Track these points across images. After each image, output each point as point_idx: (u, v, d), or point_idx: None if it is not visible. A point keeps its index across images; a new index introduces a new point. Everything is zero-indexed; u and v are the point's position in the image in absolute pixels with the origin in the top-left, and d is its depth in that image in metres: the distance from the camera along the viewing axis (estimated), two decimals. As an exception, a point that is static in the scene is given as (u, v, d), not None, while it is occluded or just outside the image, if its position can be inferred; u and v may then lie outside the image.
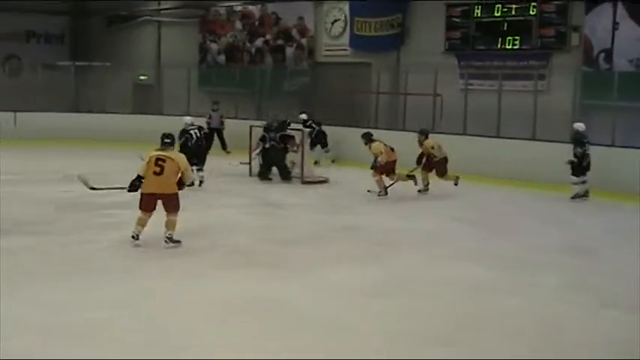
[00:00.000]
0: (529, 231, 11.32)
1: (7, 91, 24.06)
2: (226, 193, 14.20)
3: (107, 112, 23.80)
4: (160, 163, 9.55)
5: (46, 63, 25.98)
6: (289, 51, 22.88)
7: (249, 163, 16.20)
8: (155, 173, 9.53)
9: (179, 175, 9.63)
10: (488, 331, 6.71)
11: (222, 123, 20.27)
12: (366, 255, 9.56)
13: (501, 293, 7.88)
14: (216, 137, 19.75)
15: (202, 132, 15.18)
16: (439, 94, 17.98)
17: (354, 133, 15.42)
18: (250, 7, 24.01)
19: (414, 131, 15.11)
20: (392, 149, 13.88)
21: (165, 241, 9.49)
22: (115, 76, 25.41)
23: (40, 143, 20.27)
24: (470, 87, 17.99)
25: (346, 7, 21.07)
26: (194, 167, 14.27)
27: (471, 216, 12.35)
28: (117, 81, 25.31)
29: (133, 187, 9.66)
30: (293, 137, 15.48)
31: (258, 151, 15.81)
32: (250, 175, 16.16)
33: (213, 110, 20.09)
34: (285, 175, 15.45)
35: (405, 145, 14.48)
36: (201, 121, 17.38)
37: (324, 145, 18.56)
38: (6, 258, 8.64)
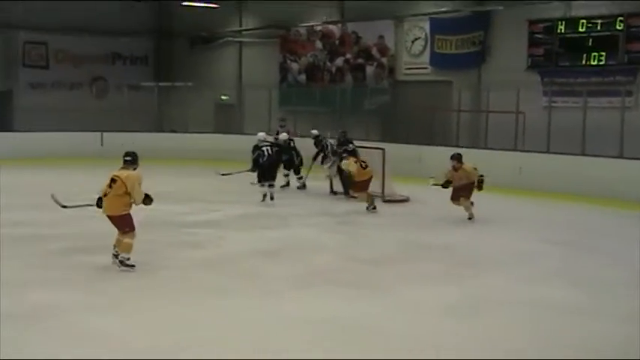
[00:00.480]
0: (616, 252, 10.98)
1: (94, 112, 24.75)
2: (303, 211, 14.22)
3: (190, 132, 24.24)
4: (111, 183, 9.28)
5: (131, 84, 26.61)
6: (369, 70, 22.87)
7: (230, 174, 15.64)
8: (105, 194, 9.32)
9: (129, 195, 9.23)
10: (564, 353, 6.54)
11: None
12: (447, 275, 9.42)
13: (583, 316, 7.66)
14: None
15: (274, 149, 15.40)
16: (522, 111, 17.68)
17: (435, 152, 15.27)
18: (331, 27, 24.11)
19: (497, 149, 14.90)
20: (364, 167, 14.28)
21: (117, 264, 9.22)
22: (198, 96, 25.87)
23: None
24: (553, 104, 17.64)
25: (427, 25, 20.96)
26: (265, 183, 14.80)
27: (557, 236, 12.04)
28: (199, 101, 25.75)
29: (98, 206, 9.43)
30: (354, 152, 15.18)
31: (330, 164, 15.98)
32: (331, 192, 16.21)
33: (280, 127, 20.19)
34: (346, 190, 15.43)
35: (486, 163, 14.26)
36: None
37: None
38: (102, 274, 8.87)
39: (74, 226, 11.77)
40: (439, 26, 20.61)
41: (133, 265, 9.17)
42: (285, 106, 24.63)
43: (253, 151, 14.91)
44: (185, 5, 26.69)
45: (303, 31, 25.05)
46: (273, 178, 15.17)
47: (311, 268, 9.67)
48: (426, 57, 21.13)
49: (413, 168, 17.96)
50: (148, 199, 9.47)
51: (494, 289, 8.74)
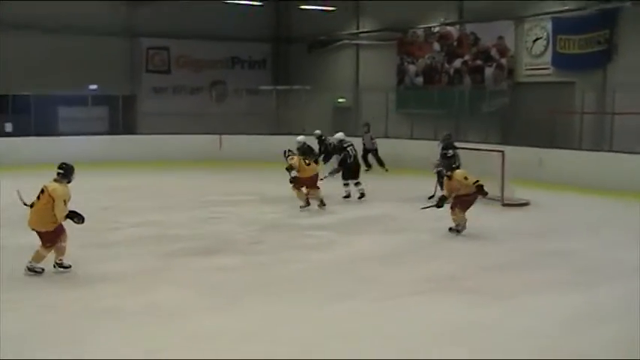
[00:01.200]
0: None
1: (214, 115, 25.22)
2: (414, 215, 13.94)
3: (307, 134, 24.35)
4: (40, 194, 8.89)
5: (250, 88, 26.99)
6: (488, 71, 22.41)
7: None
8: (31, 205, 8.90)
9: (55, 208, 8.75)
10: None
11: (373, 144, 21.01)
12: (569, 282, 9.07)
13: None
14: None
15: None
16: (652, 112, 16.90)
17: (556, 155, 14.76)
18: (448, 28, 23.76)
19: (623, 152, 14.27)
20: (308, 164, 14.54)
21: (27, 270, 8.91)
22: (315, 99, 26.00)
23: (243, 165, 21.02)
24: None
25: (548, 24, 20.36)
26: (351, 181, 15.56)
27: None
28: (316, 104, 25.87)
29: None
30: (451, 157, 14.59)
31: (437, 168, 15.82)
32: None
33: (365, 132, 20.29)
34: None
35: (612, 166, 13.69)
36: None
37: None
38: (222, 275, 8.97)
39: (196, 228, 12.00)
40: (562, 26, 19.97)
41: (40, 271, 8.89)
42: (401, 109, 24.45)
43: (335, 152, 16.19)
44: (303, 9, 26.84)
45: (420, 32, 24.78)
46: (358, 176, 15.77)
47: (430, 273, 9.49)
48: (547, 57, 20.52)
49: (533, 171, 17.47)
50: (76, 217, 8.95)
51: (618, 298, 8.37)
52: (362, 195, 15.60)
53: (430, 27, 24.30)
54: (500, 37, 21.89)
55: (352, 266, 9.70)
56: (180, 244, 10.92)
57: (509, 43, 21.63)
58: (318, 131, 19.12)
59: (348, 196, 15.66)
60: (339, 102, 27.43)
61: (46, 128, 22.64)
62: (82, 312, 7.62)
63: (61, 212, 8.71)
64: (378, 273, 9.38)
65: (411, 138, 22.21)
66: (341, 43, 27.80)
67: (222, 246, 10.72)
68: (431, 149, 16.64)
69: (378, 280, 9.07)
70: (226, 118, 24.51)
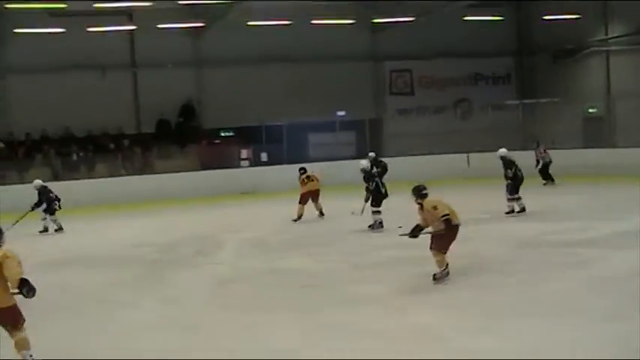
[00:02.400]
0: None
1: (459, 133, 25.01)
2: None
3: (555, 148, 23.45)
4: None
5: (495, 103, 26.52)
6: None
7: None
8: None
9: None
10: None
11: (542, 158, 20.85)
12: None
13: None
14: None
15: None
16: None
17: None
18: None
19: None
20: (304, 181, 16.55)
21: None
22: (562, 110, 25.02)
23: (491, 182, 20.44)
24: None
25: None
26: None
27: None
28: (564, 116, 24.88)
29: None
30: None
31: None
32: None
33: (535, 148, 20.97)
34: None
35: None
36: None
37: None
38: (479, 294, 8.76)
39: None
40: None
41: None
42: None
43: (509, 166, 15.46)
44: (546, 20, 26.01)
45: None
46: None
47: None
48: None
49: None
50: (27, 288, 6.48)
51: None
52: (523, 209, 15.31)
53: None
54: None
55: (623, 284, 9.00)
56: (422, 267, 10.70)
57: None
58: (372, 153, 19.91)
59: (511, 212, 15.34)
60: (590, 112, 26.20)
61: (298, 155, 23.57)
62: (343, 332, 7.68)
63: (15, 274, 6.58)
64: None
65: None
66: (589, 50, 26.61)
67: (477, 265, 10.47)
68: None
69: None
70: (472, 135, 24.21)
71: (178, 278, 11.03)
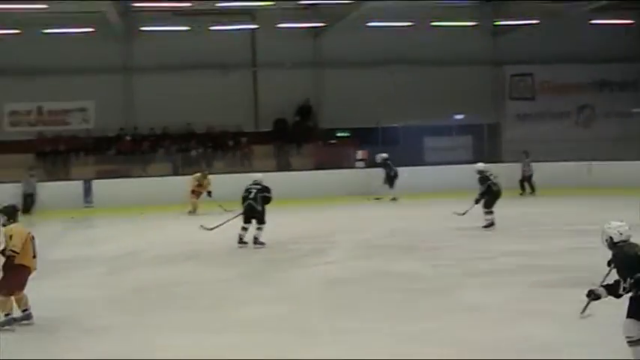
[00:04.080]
0: None
1: (581, 141, 24.27)
2: None
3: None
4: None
5: (620, 111, 25.61)
6: None
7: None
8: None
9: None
10: None
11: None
12: None
13: None
14: None
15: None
16: None
17: None
18: None
19: None
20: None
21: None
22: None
23: (613, 192, 19.81)
24: None
25: None
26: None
27: None
28: None
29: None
30: None
31: None
32: None
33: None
34: None
35: None
36: None
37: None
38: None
39: (559, 258, 11.50)
40: None
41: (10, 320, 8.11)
42: None
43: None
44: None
45: None
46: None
47: None
48: None
49: None
50: None
51: None
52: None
53: None
54: None
55: None
56: (544, 275, 10.45)
57: None
58: (384, 155, 20.40)
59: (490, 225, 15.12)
60: None
61: (413, 158, 23.37)
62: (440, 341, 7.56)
63: None
64: None
65: None
66: None
67: (584, 278, 10.04)
68: None
69: None
70: (595, 143, 23.44)
71: (289, 276, 11.12)
